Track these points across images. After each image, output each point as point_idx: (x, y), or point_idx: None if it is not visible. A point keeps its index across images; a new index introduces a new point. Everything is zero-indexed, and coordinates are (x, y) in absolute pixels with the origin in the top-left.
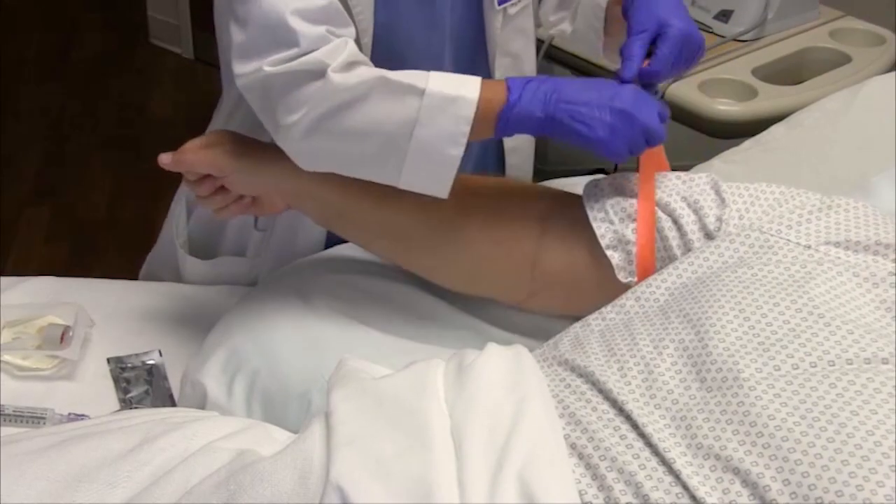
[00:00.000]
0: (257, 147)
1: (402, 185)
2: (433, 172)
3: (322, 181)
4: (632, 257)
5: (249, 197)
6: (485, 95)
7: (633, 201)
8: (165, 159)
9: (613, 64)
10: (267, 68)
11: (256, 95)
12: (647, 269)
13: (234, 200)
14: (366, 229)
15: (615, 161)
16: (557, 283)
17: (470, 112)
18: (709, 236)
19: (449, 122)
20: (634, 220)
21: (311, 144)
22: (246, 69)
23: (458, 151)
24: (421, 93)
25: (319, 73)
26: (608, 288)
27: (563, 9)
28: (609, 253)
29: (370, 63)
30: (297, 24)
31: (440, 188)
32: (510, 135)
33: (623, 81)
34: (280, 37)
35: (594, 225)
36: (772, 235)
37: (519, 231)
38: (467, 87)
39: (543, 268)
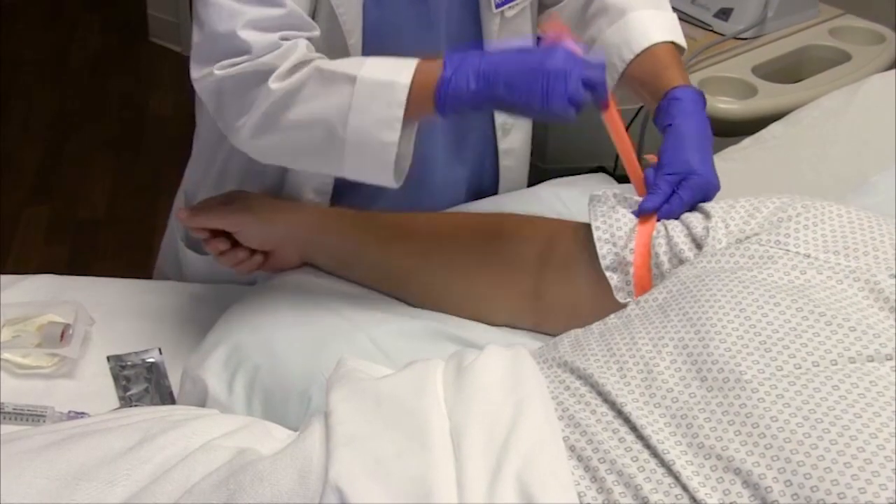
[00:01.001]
0: (269, 201)
1: (348, 176)
2: (373, 159)
3: (330, 230)
4: (629, 277)
5: (263, 253)
6: (419, 78)
7: (635, 222)
8: (183, 215)
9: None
10: (217, 72)
11: (211, 98)
12: (644, 289)
13: (248, 256)
14: (373, 274)
15: (566, 121)
16: (559, 311)
17: (402, 96)
18: (699, 246)
19: (381, 107)
20: (634, 230)
21: (260, 142)
22: (199, 73)
23: (393, 137)
24: (353, 80)
25: (267, 74)
26: (609, 310)
27: (578, 30)
28: (608, 274)
29: (322, 57)
30: (248, 35)
31: (384, 176)
32: (451, 112)
33: (642, 209)
34: (232, 46)
35: (597, 245)
36: (771, 247)
37: (518, 265)
38: (401, 72)
39: (545, 299)
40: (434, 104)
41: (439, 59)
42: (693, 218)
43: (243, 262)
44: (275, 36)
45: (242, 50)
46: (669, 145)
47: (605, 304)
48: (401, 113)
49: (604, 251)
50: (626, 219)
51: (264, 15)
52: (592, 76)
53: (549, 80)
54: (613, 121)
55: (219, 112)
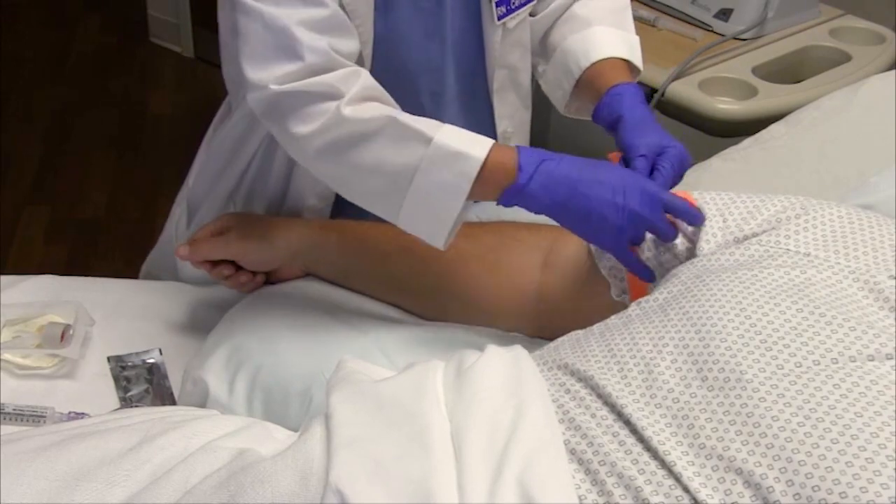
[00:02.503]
0: (266, 222)
1: (401, 226)
2: (430, 221)
3: (331, 242)
4: (624, 274)
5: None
6: (494, 160)
7: None
8: (183, 252)
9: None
10: (273, 87)
11: (265, 110)
12: (638, 286)
13: (251, 278)
14: (376, 283)
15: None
16: (562, 315)
17: (473, 171)
18: (690, 240)
19: (450, 175)
20: None
21: (321, 164)
22: (253, 83)
23: (455, 207)
24: (428, 141)
25: (330, 95)
26: (611, 313)
27: (545, 36)
28: (605, 272)
29: (384, 96)
30: (301, 34)
31: (436, 238)
32: (510, 206)
33: None
34: (284, 48)
35: (593, 252)
36: (771, 247)
37: (521, 271)
38: (476, 147)
39: (547, 303)
40: (499, 196)
41: (513, 150)
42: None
43: (246, 283)
44: (324, 41)
45: (296, 52)
46: (628, 134)
47: (606, 307)
48: (468, 186)
49: (598, 254)
50: None
51: (312, 15)
52: (663, 227)
53: (627, 220)
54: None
55: (274, 123)
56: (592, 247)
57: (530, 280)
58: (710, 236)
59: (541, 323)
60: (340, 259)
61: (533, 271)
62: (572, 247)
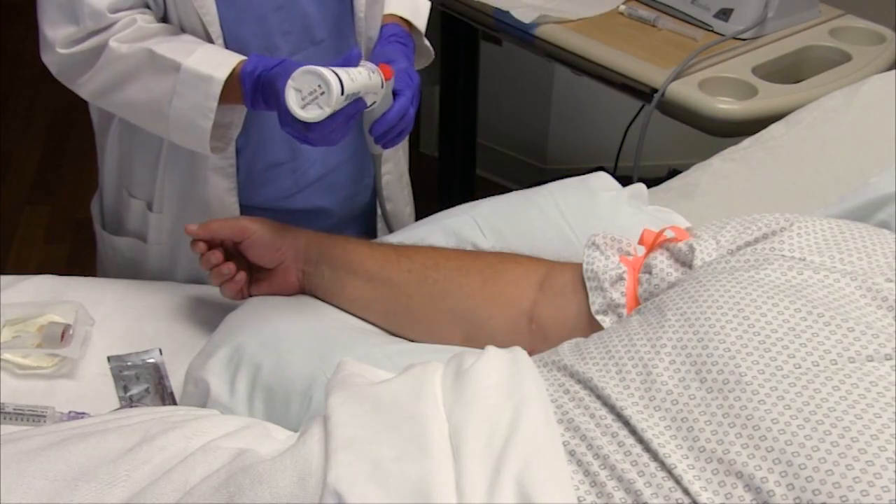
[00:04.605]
0: (274, 222)
1: (174, 140)
2: (192, 136)
3: (333, 247)
4: (622, 311)
5: (266, 273)
6: (235, 76)
7: (624, 269)
8: (192, 227)
9: None
10: (60, 50)
11: (57, 71)
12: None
13: (235, 271)
14: (372, 291)
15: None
16: (552, 337)
17: (216, 90)
18: (687, 265)
19: (199, 97)
20: (623, 278)
21: (99, 103)
22: (44, 44)
23: (207, 123)
24: (178, 68)
25: (105, 47)
26: None
27: None
28: (599, 318)
29: (157, 34)
30: None
31: (202, 148)
32: (257, 106)
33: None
34: (67, 10)
35: (589, 294)
36: (767, 252)
37: (517, 289)
38: (221, 69)
39: (540, 324)
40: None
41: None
42: (680, 244)
43: (230, 277)
44: (104, 3)
45: (76, 16)
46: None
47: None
48: (214, 104)
49: (592, 297)
50: (613, 257)
51: None
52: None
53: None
54: None
55: (68, 83)
56: (589, 294)
57: (526, 295)
58: (706, 255)
59: (532, 343)
60: (341, 259)
61: (530, 287)
62: (568, 275)
